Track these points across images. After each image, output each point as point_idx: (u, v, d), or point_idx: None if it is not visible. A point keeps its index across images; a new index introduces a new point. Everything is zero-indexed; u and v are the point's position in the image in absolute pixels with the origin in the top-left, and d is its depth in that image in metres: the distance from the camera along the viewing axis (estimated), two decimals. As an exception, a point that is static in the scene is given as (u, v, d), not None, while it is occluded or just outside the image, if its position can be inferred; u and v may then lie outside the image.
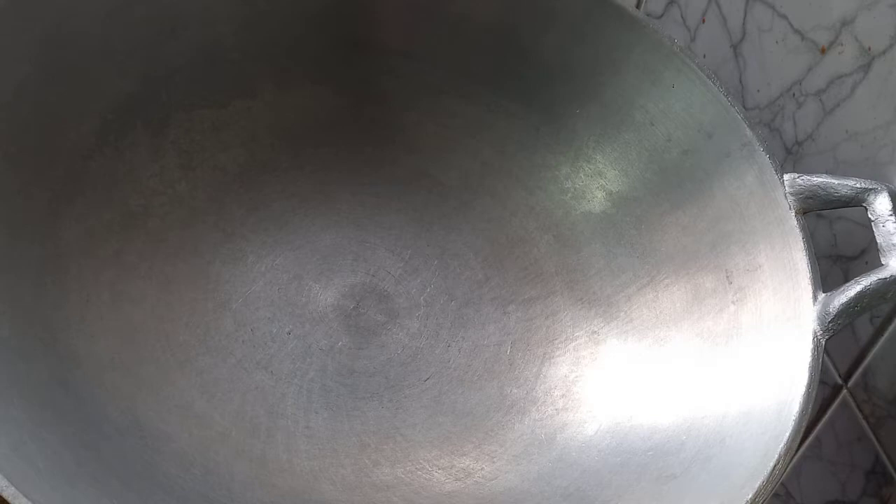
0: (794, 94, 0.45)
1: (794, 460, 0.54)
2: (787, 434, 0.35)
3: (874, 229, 0.38)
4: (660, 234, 0.45)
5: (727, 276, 0.42)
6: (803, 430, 0.36)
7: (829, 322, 0.37)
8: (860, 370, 0.46)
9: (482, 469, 0.43)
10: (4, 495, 0.30)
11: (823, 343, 0.37)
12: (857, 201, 0.38)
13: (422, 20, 0.45)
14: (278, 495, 0.40)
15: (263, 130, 0.47)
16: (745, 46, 0.47)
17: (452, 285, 0.48)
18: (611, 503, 0.39)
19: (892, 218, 0.37)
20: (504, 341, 0.47)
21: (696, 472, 0.38)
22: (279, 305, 0.46)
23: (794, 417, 0.36)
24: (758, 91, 0.47)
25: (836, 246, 0.45)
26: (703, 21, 0.51)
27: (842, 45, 0.41)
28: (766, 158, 0.40)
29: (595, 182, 0.47)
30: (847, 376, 0.48)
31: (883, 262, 0.37)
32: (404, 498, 0.41)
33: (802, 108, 0.44)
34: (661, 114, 0.44)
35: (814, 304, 0.38)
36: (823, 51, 0.42)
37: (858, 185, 0.38)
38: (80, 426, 0.37)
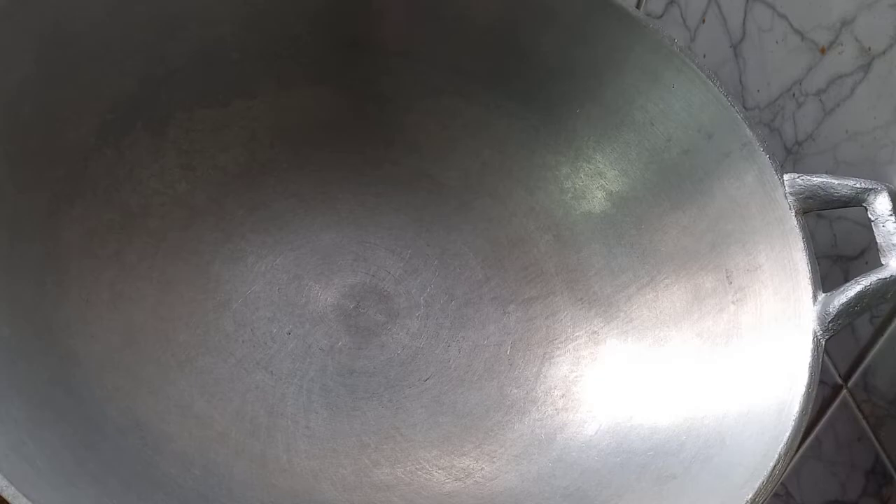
0: (794, 94, 0.45)
1: (794, 460, 0.54)
2: (787, 434, 0.35)
3: (874, 229, 0.38)
4: (660, 234, 0.45)
5: (727, 276, 0.42)
6: (803, 430, 0.36)
7: (829, 322, 0.37)
8: (860, 370, 0.46)
9: (482, 469, 0.43)
10: (4, 495, 0.30)
11: (823, 343, 0.37)
12: (857, 201, 0.38)
13: (422, 20, 0.45)
14: (278, 495, 0.40)
15: (263, 130, 0.47)
16: (745, 46, 0.47)
17: (452, 285, 0.48)
18: (611, 503, 0.39)
19: (892, 218, 0.37)
20: (504, 341, 0.47)
21: (696, 472, 0.38)
22: (279, 305, 0.46)
23: (794, 417, 0.36)
24: (758, 91, 0.47)
25: (836, 246, 0.45)
26: (703, 21, 0.51)
27: (842, 45, 0.41)
28: (766, 158, 0.40)
29: (595, 182, 0.47)
30: (847, 376, 0.48)
31: (883, 262, 0.37)
32: (404, 498, 0.41)
33: (802, 108, 0.44)
34: (661, 114, 0.44)
35: (814, 304, 0.38)
36: (823, 51, 0.42)
37: (858, 185, 0.38)
38: (80, 426, 0.37)
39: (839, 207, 0.39)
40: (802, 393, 0.36)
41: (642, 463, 0.40)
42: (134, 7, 0.41)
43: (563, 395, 0.45)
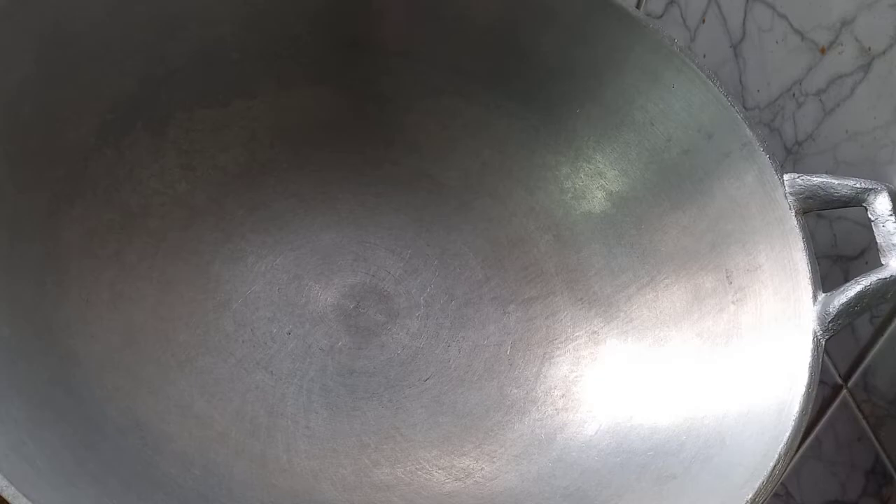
0: (794, 94, 0.45)
1: (794, 460, 0.54)
2: (787, 434, 0.35)
3: (874, 229, 0.38)
4: (660, 234, 0.45)
5: (727, 276, 0.42)
6: (803, 430, 0.36)
7: (829, 322, 0.37)
8: (860, 370, 0.46)
9: (482, 469, 0.43)
10: (4, 495, 0.30)
11: (823, 343, 0.37)
12: (857, 201, 0.38)
13: (422, 20, 0.45)
14: (278, 495, 0.40)
15: (263, 130, 0.47)
16: (745, 46, 0.47)
17: (452, 285, 0.48)
18: (611, 503, 0.39)
19: (892, 218, 0.37)
20: (504, 341, 0.47)
21: (696, 472, 0.38)
22: (279, 305, 0.46)
23: (794, 417, 0.36)
24: (758, 91, 0.47)
25: (836, 246, 0.45)
26: (703, 21, 0.51)
27: (842, 45, 0.41)
28: (766, 158, 0.40)
29: (595, 182, 0.47)
30: (847, 376, 0.48)
31: (883, 262, 0.37)
32: (404, 498, 0.41)
33: (802, 108, 0.44)
34: (660, 114, 0.44)
35: (814, 304, 0.38)
36: (823, 51, 0.42)
37: (858, 185, 0.38)
38: (80, 426, 0.37)
39: (839, 207, 0.39)
40: (802, 393, 0.36)
41: (642, 463, 0.40)
42: (134, 7, 0.41)
43: (563, 395, 0.45)
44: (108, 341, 0.41)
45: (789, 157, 0.46)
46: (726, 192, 0.42)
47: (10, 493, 0.30)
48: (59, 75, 0.40)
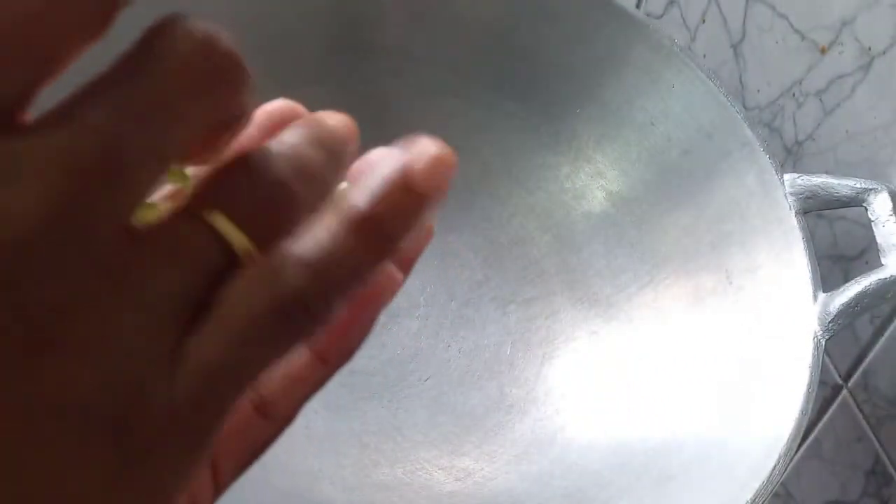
0: (794, 94, 0.45)
1: (794, 460, 0.54)
2: (787, 434, 0.35)
3: (874, 229, 0.38)
4: (660, 234, 0.45)
5: (727, 276, 0.42)
6: (803, 430, 0.36)
7: (829, 322, 0.37)
8: (860, 370, 0.46)
9: (482, 469, 0.43)
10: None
11: (823, 343, 0.37)
12: (857, 201, 0.38)
13: (421, 20, 0.45)
14: (278, 495, 0.40)
15: (263, 130, 0.47)
16: (745, 46, 0.47)
17: (452, 285, 0.48)
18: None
19: (893, 218, 0.37)
20: (504, 341, 0.47)
21: (695, 472, 0.38)
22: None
23: (794, 417, 0.36)
24: (758, 91, 0.47)
25: (837, 246, 0.45)
26: (703, 21, 0.51)
27: (842, 44, 0.41)
28: (766, 158, 0.40)
29: (595, 182, 0.47)
30: (847, 376, 0.48)
31: (883, 263, 0.37)
32: (404, 498, 0.41)
33: (803, 108, 0.44)
34: (661, 114, 0.44)
35: (814, 304, 0.38)
36: (823, 51, 0.42)
37: (858, 185, 0.38)
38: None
39: (839, 207, 0.39)
40: (802, 393, 0.36)
41: (642, 463, 0.40)
42: (133, 7, 0.41)
43: (563, 396, 0.45)
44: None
45: (789, 157, 0.46)
46: (727, 193, 0.42)
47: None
48: (59, 80, 0.40)
